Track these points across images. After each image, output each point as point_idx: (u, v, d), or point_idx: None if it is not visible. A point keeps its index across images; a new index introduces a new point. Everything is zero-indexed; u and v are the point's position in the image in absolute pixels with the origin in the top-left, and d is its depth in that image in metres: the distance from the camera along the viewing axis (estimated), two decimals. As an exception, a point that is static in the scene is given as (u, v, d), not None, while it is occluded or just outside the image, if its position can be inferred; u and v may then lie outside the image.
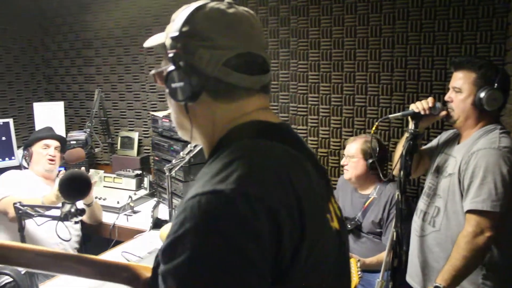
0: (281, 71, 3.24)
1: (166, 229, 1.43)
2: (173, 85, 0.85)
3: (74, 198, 1.20)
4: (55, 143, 3.07)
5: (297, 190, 0.76)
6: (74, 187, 1.18)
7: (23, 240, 1.63)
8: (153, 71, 0.95)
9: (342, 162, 2.75)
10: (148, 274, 1.04)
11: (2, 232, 2.86)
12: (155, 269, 0.91)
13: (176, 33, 0.86)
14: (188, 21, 0.86)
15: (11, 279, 2.59)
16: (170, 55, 0.85)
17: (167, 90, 0.89)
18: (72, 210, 1.24)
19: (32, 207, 1.70)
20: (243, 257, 0.68)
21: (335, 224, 0.87)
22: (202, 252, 0.68)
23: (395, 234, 1.93)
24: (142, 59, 3.90)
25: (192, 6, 0.88)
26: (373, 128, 2.24)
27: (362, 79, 3.01)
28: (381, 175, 2.33)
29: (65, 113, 4.26)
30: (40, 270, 1.01)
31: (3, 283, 2.69)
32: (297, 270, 0.74)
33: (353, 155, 2.65)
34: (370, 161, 2.58)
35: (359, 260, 2.26)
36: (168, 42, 0.89)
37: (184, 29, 0.85)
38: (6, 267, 2.63)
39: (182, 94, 0.85)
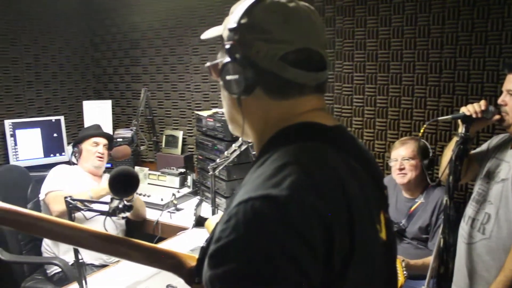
0: (325, 72, 3.21)
1: (213, 220, 1.45)
2: (228, 77, 0.84)
3: (123, 194, 1.22)
4: (103, 141, 3.16)
5: (348, 199, 0.75)
6: (124, 183, 1.20)
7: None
8: (208, 63, 0.95)
9: (398, 167, 2.60)
10: (192, 263, 1.04)
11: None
12: (200, 260, 0.92)
13: (234, 25, 0.84)
14: (247, 13, 0.84)
15: (59, 270, 2.70)
16: (227, 46, 0.84)
17: (221, 82, 0.88)
18: (120, 206, 1.26)
19: (82, 201, 1.76)
20: (295, 265, 0.67)
21: (383, 235, 0.84)
22: (254, 258, 0.67)
23: (442, 240, 1.87)
24: (187, 59, 3.96)
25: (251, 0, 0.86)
26: (421, 131, 2.18)
27: (408, 81, 2.94)
28: (428, 179, 2.27)
29: (112, 111, 4.39)
30: (93, 250, 1.05)
31: (53, 273, 2.81)
32: (347, 281, 0.72)
33: (412, 157, 2.55)
34: (426, 161, 2.52)
35: (403, 260, 2.21)
36: (225, 34, 0.87)
37: (243, 21, 0.84)
38: (56, 258, 2.74)
39: (236, 87, 0.84)
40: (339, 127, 0.90)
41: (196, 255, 1.01)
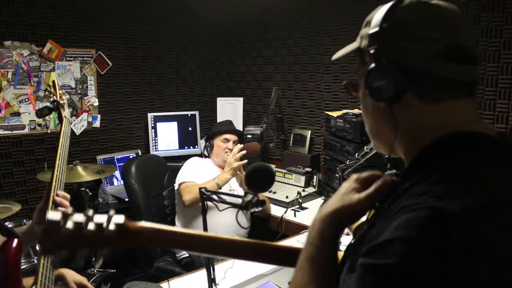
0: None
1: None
2: (375, 84, 0.80)
3: (258, 190, 1.25)
4: (234, 137, 3.29)
5: None
6: (260, 179, 1.23)
7: (205, 222, 1.76)
8: (345, 81, 0.94)
9: None
10: None
11: (179, 213, 3.17)
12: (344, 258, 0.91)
13: (376, 29, 0.80)
14: (387, 16, 0.80)
15: (187, 255, 2.87)
16: (371, 51, 0.81)
17: (361, 96, 0.87)
18: (253, 200, 1.28)
19: (216, 193, 1.83)
20: (451, 283, 0.63)
21: None
22: (410, 265, 0.65)
23: None
24: (319, 59, 3.95)
25: (390, 3, 0.82)
26: None
27: None
28: None
29: (243, 108, 4.55)
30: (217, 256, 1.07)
31: (181, 257, 2.99)
32: None
33: None
34: None
35: None
36: (365, 43, 0.84)
37: (385, 25, 0.80)
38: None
39: (386, 92, 0.79)
40: (505, 138, 0.82)
41: None
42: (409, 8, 0.81)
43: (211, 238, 1.02)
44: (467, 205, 0.66)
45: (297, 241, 2.61)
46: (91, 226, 0.84)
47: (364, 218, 0.89)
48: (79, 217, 0.85)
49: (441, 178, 0.71)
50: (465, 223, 0.65)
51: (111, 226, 0.86)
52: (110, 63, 3.98)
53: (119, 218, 0.88)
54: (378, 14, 0.82)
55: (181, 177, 3.10)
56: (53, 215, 0.84)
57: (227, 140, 3.26)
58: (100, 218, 0.86)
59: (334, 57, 0.97)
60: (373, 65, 0.81)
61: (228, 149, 3.22)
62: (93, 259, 0.88)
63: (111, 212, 0.88)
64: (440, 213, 0.66)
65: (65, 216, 0.84)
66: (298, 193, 3.31)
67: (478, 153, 0.76)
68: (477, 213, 0.66)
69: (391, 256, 0.66)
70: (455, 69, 0.77)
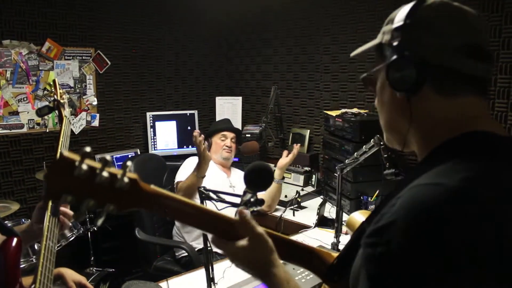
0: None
1: (356, 217, 1.40)
2: (396, 74, 0.84)
3: (257, 189, 1.24)
4: (231, 135, 3.30)
5: None
6: (259, 178, 1.23)
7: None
8: (364, 75, 0.97)
9: None
10: (330, 260, 1.01)
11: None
12: (342, 257, 0.92)
13: (401, 23, 0.85)
14: (411, 13, 0.85)
15: (186, 254, 2.87)
16: (395, 43, 0.85)
17: (381, 88, 0.90)
18: (252, 199, 1.28)
19: (215, 192, 1.83)
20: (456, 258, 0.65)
21: None
22: (411, 244, 0.66)
23: None
24: (318, 58, 3.95)
25: (413, 2, 0.87)
26: None
27: None
28: None
29: (242, 107, 4.55)
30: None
31: (180, 256, 2.99)
32: None
33: None
34: None
35: None
36: (387, 38, 0.88)
37: (408, 20, 0.85)
38: (184, 243, 2.91)
39: (406, 83, 0.83)
40: None
41: None
42: (431, 6, 0.85)
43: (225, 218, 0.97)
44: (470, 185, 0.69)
45: (297, 240, 2.60)
46: (105, 173, 0.76)
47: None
48: (93, 162, 0.76)
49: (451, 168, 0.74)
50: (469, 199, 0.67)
51: (125, 179, 0.78)
52: (109, 62, 3.98)
53: (133, 174, 0.81)
54: (402, 12, 0.87)
55: (177, 176, 3.11)
56: (69, 153, 0.74)
57: (225, 138, 3.27)
58: (115, 169, 0.79)
59: (353, 53, 1.02)
60: (395, 56, 0.85)
61: (226, 146, 3.23)
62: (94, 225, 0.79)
63: (129, 162, 0.82)
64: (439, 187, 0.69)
65: (83, 156, 0.74)
66: (297, 192, 3.32)
67: (490, 153, 0.78)
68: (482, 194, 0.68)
69: (387, 243, 0.68)
70: (472, 65, 0.81)
